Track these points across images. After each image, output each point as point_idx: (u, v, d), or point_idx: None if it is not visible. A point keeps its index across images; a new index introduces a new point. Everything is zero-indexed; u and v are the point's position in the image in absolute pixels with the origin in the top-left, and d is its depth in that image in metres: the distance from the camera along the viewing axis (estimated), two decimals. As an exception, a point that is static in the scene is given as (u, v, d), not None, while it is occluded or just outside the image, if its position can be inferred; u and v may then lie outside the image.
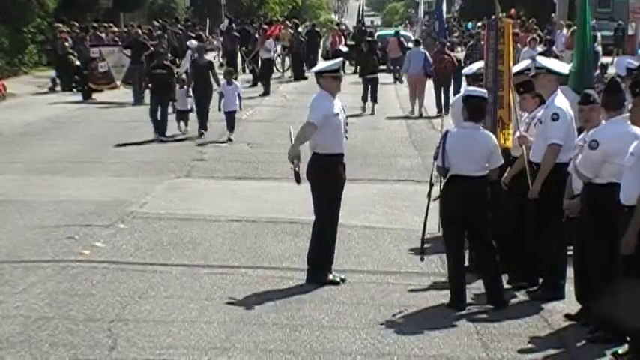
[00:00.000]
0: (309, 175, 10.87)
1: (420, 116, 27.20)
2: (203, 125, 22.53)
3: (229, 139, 21.77)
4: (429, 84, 28.07)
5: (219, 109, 22.14)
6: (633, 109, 8.90)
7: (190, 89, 22.73)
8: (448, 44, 30.83)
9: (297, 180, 10.81)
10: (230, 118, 22.03)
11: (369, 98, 28.19)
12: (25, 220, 13.82)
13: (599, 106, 9.35)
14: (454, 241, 10.19)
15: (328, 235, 10.94)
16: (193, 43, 28.22)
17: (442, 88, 27.54)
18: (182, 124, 22.93)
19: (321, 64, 11.92)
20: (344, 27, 54.35)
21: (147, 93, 24.47)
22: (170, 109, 22.71)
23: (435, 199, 10.79)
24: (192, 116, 22.99)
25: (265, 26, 37.14)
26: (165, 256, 12.03)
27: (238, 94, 22.22)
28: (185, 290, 10.57)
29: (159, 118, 22.17)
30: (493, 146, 10.11)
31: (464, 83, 13.37)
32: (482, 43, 28.15)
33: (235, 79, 23.04)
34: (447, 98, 26.47)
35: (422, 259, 10.91)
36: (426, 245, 12.55)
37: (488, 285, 10.15)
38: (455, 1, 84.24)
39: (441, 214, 10.51)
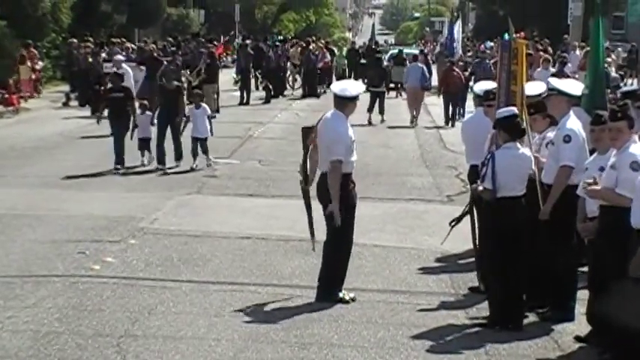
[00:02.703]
0: (320, 196, 10.86)
1: (415, 125, 29.54)
2: (162, 160, 20.18)
3: (200, 165, 20.18)
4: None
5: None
6: None
7: (155, 117, 20.77)
8: (461, 63, 32.48)
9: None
10: (201, 144, 20.37)
11: (375, 111, 30.18)
12: (36, 235, 13.86)
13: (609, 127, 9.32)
14: (503, 262, 9.94)
15: (340, 255, 10.91)
16: (120, 57, 26.45)
17: (451, 103, 30.02)
18: (146, 153, 20.64)
19: (346, 87, 11.49)
20: (357, 46, 54.22)
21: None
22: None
23: (455, 224, 10.68)
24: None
25: (153, 45, 37.05)
26: (175, 272, 12.04)
27: (208, 117, 20.74)
28: (194, 307, 10.57)
29: (117, 146, 20.00)
30: (531, 164, 10.18)
31: (470, 102, 13.48)
32: (487, 61, 30.44)
33: (202, 101, 21.19)
34: (455, 113, 29.92)
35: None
36: (436, 265, 12.65)
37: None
38: (468, 21, 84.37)
39: (489, 236, 10.16)
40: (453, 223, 10.79)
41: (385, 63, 36.30)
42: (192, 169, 19.95)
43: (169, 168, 20.04)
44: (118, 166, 19.73)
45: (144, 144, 20.58)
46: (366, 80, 31.97)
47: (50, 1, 39.17)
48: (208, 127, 20.54)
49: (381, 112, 30.45)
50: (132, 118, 20.30)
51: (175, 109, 20.40)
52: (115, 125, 20.22)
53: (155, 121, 20.63)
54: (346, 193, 10.79)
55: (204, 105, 21.10)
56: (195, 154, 20.28)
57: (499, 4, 60.87)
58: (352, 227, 10.97)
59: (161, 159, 20.17)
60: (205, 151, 20.44)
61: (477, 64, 31.75)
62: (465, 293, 11.23)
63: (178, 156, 20.45)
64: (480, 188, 10.05)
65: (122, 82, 21.03)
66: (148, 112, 20.91)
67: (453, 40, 40.23)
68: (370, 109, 29.92)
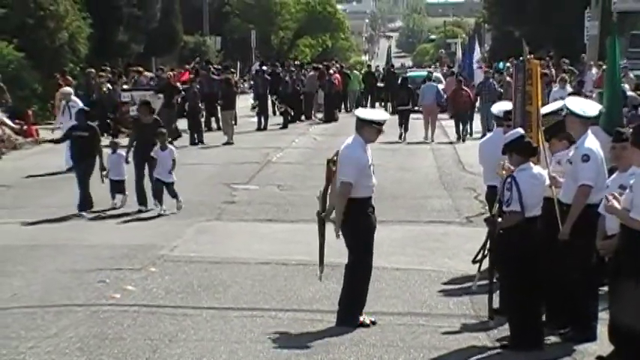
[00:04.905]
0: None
1: (432, 141, 31.44)
2: (143, 200, 18.52)
3: (160, 213, 18.14)
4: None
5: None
6: None
7: (130, 155, 18.83)
8: (474, 85, 33.68)
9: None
10: (168, 189, 18.36)
11: (402, 127, 32.24)
12: (56, 264, 13.90)
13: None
14: (522, 283, 9.92)
15: (361, 278, 10.91)
16: (68, 89, 25.41)
17: (460, 120, 31.91)
18: (118, 196, 19.01)
19: (372, 113, 11.65)
20: (372, 69, 54.49)
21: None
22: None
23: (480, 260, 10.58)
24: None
25: (170, 72, 37.08)
26: (195, 299, 12.05)
27: (173, 161, 18.40)
28: (215, 333, 10.57)
29: (82, 189, 18.37)
30: (546, 183, 10.23)
31: (477, 121, 13.29)
32: (491, 81, 31.88)
33: (173, 141, 19.41)
34: (465, 129, 31.81)
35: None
36: (456, 287, 12.60)
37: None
38: (484, 42, 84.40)
39: (508, 258, 10.07)
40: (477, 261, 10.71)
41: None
42: (160, 215, 18.03)
43: (139, 212, 18.36)
44: (83, 213, 17.97)
45: (116, 186, 18.98)
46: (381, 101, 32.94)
47: (67, 31, 39.44)
48: (171, 170, 18.39)
49: (405, 128, 32.35)
50: (99, 160, 18.52)
51: (152, 145, 18.46)
52: (80, 167, 18.60)
53: (130, 159, 18.86)
54: (365, 217, 10.80)
55: (170, 147, 18.86)
56: (160, 197, 18.30)
57: (515, 25, 60.90)
58: (372, 251, 10.98)
59: (141, 199, 18.50)
60: (175, 196, 18.43)
61: (482, 84, 32.70)
62: (486, 315, 11.16)
63: (144, 203, 18.51)
64: (500, 220, 10.01)
65: (88, 120, 19.20)
66: (119, 152, 19.23)
67: (471, 64, 40.47)
68: (400, 126, 32.01)
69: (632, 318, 8.82)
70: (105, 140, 21.30)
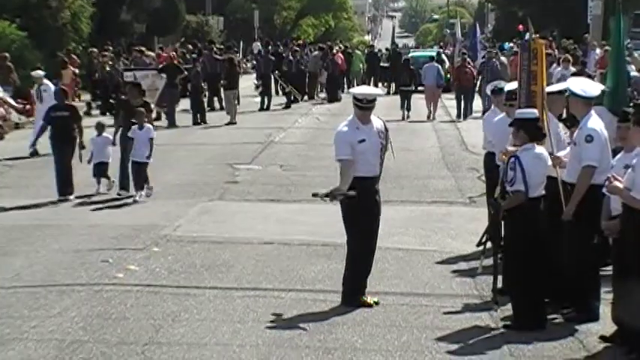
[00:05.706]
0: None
1: (433, 119, 32.01)
2: (126, 184, 17.87)
3: (135, 200, 17.44)
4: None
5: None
6: None
7: (117, 137, 18.22)
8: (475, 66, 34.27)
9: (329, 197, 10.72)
10: (140, 170, 17.55)
11: (405, 107, 32.80)
12: (60, 244, 13.90)
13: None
14: (526, 263, 9.90)
15: (362, 258, 10.87)
16: (39, 73, 24.96)
17: (463, 98, 32.48)
18: (103, 181, 18.35)
19: (357, 89, 11.71)
20: (376, 49, 54.34)
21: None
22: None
23: (486, 240, 10.56)
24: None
25: (173, 52, 36.89)
26: (198, 279, 12.05)
27: (150, 139, 17.60)
28: (218, 313, 10.57)
29: (61, 173, 17.86)
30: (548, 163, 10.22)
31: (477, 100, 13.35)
32: (494, 61, 31.66)
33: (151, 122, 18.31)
34: (466, 108, 32.36)
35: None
36: (459, 267, 12.59)
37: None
38: (488, 22, 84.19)
39: (512, 239, 10.10)
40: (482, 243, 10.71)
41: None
42: (135, 201, 17.36)
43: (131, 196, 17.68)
44: (70, 197, 17.57)
45: (100, 169, 18.28)
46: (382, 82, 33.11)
47: (70, 11, 39.36)
48: (148, 152, 17.55)
49: (408, 108, 32.84)
50: (78, 141, 17.92)
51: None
52: (60, 149, 17.97)
53: (117, 141, 18.24)
54: (365, 196, 10.72)
55: (148, 125, 17.80)
56: (137, 181, 17.69)
57: (518, 4, 60.69)
58: (372, 230, 10.91)
59: (124, 183, 17.90)
60: (145, 180, 17.68)
61: (484, 64, 32.73)
62: (489, 295, 11.17)
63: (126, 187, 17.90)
64: (502, 202, 10.00)
65: (66, 99, 18.93)
66: (105, 134, 18.58)
67: (476, 44, 40.51)
68: (402, 107, 32.55)
69: (636, 299, 8.82)
70: (109, 120, 21.25)
